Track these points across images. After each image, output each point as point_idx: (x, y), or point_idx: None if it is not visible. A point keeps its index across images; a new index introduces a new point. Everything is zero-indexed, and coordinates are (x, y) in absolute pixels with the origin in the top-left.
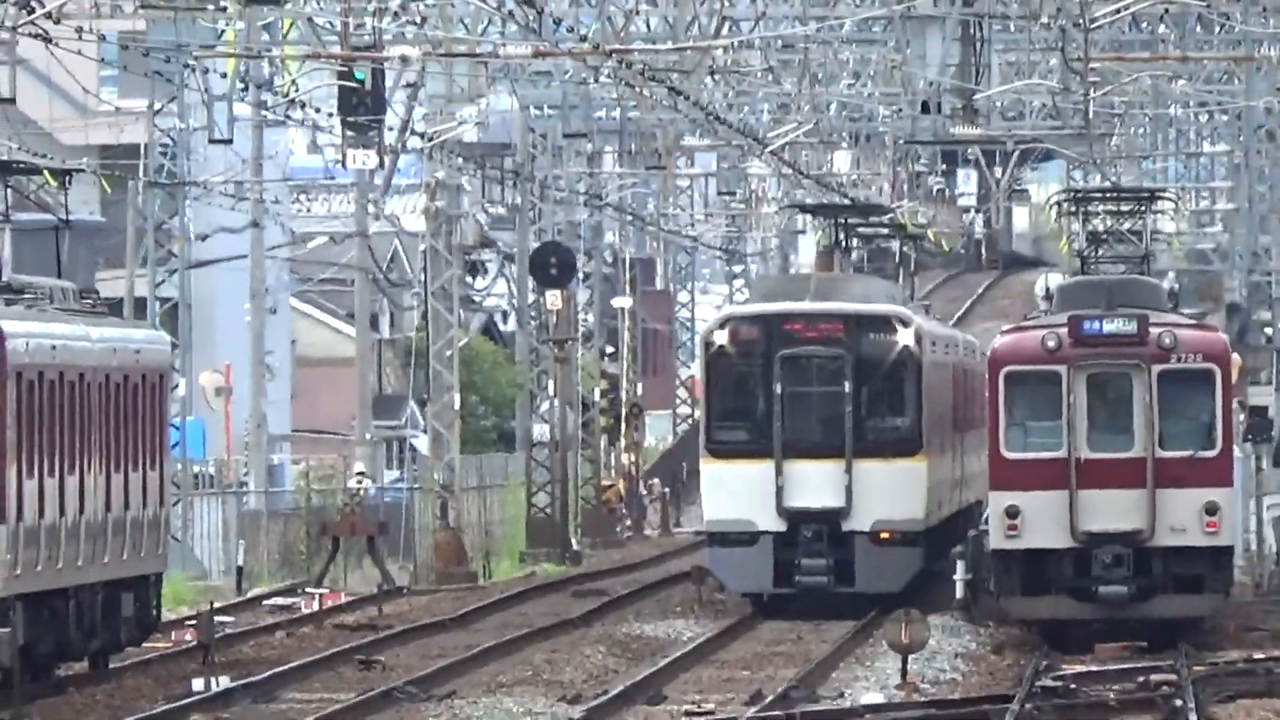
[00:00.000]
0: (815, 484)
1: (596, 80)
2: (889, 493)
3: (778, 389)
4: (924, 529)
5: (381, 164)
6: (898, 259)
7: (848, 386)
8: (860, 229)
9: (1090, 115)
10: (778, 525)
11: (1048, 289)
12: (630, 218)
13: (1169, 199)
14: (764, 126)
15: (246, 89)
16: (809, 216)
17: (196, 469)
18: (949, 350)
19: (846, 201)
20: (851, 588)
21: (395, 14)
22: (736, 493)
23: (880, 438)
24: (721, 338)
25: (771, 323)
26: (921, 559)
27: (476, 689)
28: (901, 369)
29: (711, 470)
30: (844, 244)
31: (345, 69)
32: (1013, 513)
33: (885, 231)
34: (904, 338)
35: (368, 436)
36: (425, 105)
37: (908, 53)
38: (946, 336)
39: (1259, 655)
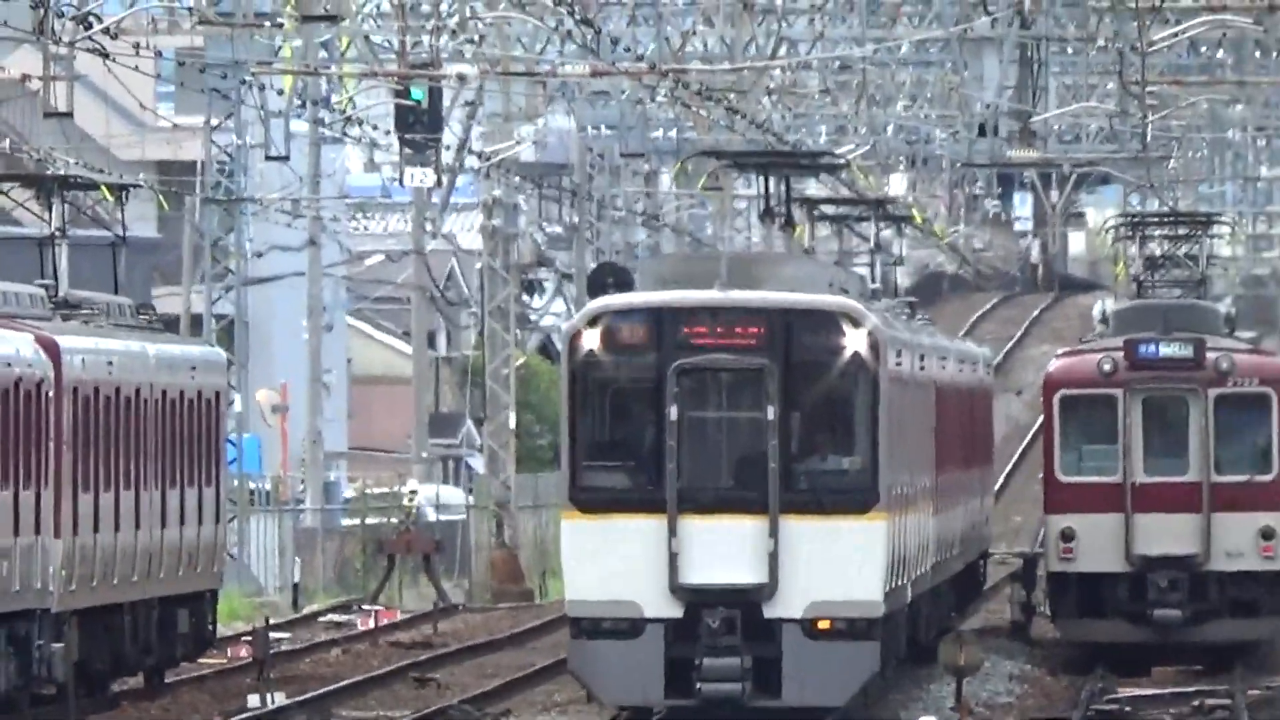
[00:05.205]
0: (725, 551)
1: (654, 100)
2: (831, 564)
3: (672, 414)
4: (882, 614)
5: (439, 182)
6: (873, 243)
7: (772, 412)
8: (823, 203)
9: (1147, 139)
10: (671, 610)
11: (1104, 312)
12: (688, 238)
13: (1226, 223)
14: (821, 148)
15: (304, 106)
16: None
17: (253, 486)
18: (929, 362)
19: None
20: (777, 700)
21: (453, 32)
22: (612, 562)
23: (818, 484)
24: (591, 340)
25: (663, 319)
26: (877, 657)
27: (532, 707)
28: (850, 387)
29: (576, 529)
30: (784, 215)
31: (402, 87)
32: (1068, 536)
33: (852, 205)
34: (853, 342)
35: (424, 455)
36: (483, 124)
37: (965, 75)
38: (924, 345)
39: None
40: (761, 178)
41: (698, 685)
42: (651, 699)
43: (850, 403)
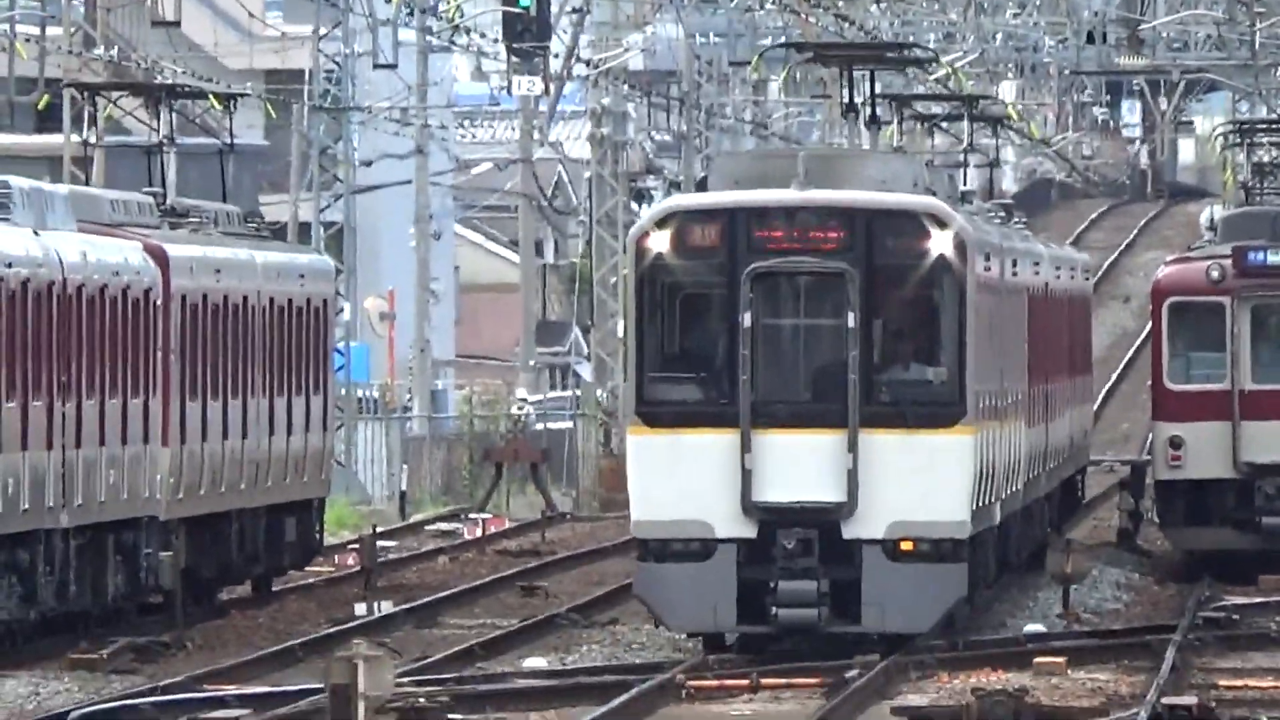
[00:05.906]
0: (801, 467)
1: (762, 7)
2: (914, 481)
3: (745, 321)
4: (969, 535)
5: (547, 90)
6: (966, 141)
7: (852, 319)
8: (910, 100)
9: (1256, 46)
10: (744, 530)
11: (1212, 220)
12: (796, 146)
13: None
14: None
15: (412, 14)
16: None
17: (360, 394)
18: (1022, 267)
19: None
20: (856, 625)
21: None
22: (681, 480)
23: (901, 396)
24: (660, 242)
25: (737, 221)
26: (964, 581)
27: (638, 616)
28: (935, 292)
29: (642, 445)
30: (869, 113)
31: None
32: (1176, 443)
33: (942, 101)
34: (939, 244)
35: (531, 363)
36: (591, 32)
37: None
38: (1017, 249)
39: None
40: (844, 72)
41: (773, 610)
42: (723, 625)
43: (935, 309)
